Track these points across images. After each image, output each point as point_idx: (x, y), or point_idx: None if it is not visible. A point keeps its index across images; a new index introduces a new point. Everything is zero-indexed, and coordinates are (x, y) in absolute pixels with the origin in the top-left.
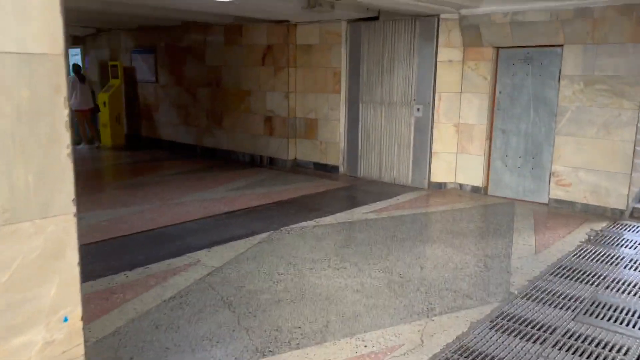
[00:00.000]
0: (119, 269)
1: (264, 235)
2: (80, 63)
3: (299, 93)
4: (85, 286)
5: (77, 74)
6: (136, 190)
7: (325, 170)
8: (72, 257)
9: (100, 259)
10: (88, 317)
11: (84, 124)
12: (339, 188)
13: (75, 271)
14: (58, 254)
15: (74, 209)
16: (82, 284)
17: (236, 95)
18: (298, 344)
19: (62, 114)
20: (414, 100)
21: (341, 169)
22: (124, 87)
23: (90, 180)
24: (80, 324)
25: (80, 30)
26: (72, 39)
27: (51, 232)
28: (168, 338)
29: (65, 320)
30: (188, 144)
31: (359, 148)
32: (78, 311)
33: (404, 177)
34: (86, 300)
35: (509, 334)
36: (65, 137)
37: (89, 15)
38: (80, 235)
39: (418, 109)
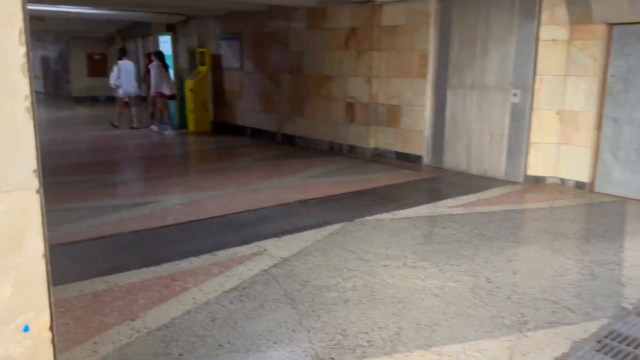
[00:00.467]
0: (185, 255)
1: (336, 226)
2: (170, 50)
3: (382, 78)
4: (148, 271)
5: (161, 60)
6: (214, 175)
7: (408, 160)
8: (35, 246)
9: (169, 243)
10: (145, 305)
11: (168, 109)
12: (422, 179)
13: (40, 265)
14: (14, 243)
15: (36, 183)
16: (146, 269)
17: (317, 81)
18: (364, 352)
19: (16, 54)
20: (511, 84)
21: (425, 159)
22: (211, 74)
23: (172, 165)
24: (48, 335)
25: (171, 18)
26: (165, 26)
27: (3, 212)
28: (222, 334)
29: (26, 329)
30: (269, 131)
31: (445, 137)
32: (45, 318)
33: (496, 170)
34: (145, 287)
35: (620, 359)
36: (22, 85)
37: (179, 2)
38: (151, 219)
39: (515, 94)
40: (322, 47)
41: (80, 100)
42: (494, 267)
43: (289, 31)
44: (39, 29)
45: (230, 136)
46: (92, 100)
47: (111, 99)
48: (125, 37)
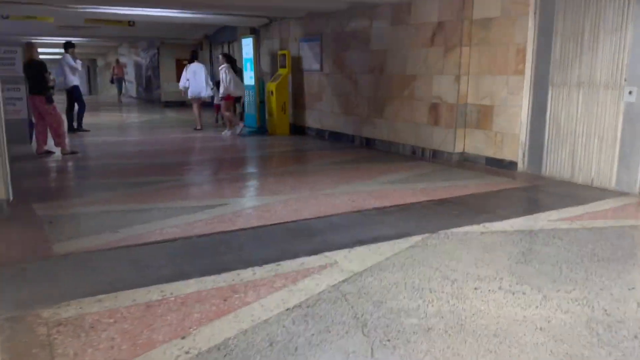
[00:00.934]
0: (249, 263)
1: (417, 238)
2: (252, 54)
3: (472, 75)
4: (208, 280)
5: (231, 63)
6: (288, 178)
7: (500, 166)
8: None
9: (233, 249)
10: (199, 320)
11: (230, 109)
12: (517, 188)
13: None
14: None
15: None
16: (206, 278)
17: (400, 80)
18: None
19: None
20: (625, 81)
21: (520, 166)
22: (291, 77)
23: (247, 167)
24: None
25: (254, 21)
26: (250, 31)
27: None
28: None
29: None
30: (347, 134)
31: (545, 140)
32: None
33: (606, 179)
34: (202, 299)
35: None
36: None
37: (262, 2)
38: (220, 223)
39: (630, 92)
40: (406, 45)
41: (169, 105)
42: (612, 296)
43: (371, 29)
44: (130, 34)
45: (308, 139)
46: (181, 104)
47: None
48: (212, 42)
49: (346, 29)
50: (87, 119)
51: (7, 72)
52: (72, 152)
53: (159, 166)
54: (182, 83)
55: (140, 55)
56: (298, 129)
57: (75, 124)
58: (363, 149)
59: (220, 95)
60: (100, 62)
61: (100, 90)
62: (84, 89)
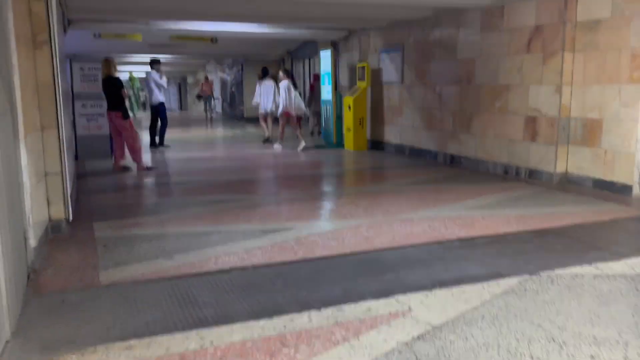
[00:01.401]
0: (306, 305)
1: (512, 281)
2: (329, 67)
3: (577, 85)
4: (255, 326)
5: (291, 78)
6: (361, 199)
7: (611, 190)
8: None
9: (290, 286)
10: None
11: (284, 127)
12: (633, 217)
13: None
14: None
15: None
16: (254, 322)
17: (490, 92)
18: None
19: None
20: None
21: (636, 191)
22: (370, 90)
23: (318, 186)
24: None
25: (334, 34)
26: (330, 44)
27: None
28: None
29: None
30: (430, 151)
31: None
32: None
33: None
34: (245, 353)
35: None
36: None
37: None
38: (280, 250)
39: None
40: (498, 52)
41: (251, 120)
42: None
43: (457, 37)
44: (215, 52)
45: (386, 155)
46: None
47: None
48: (293, 58)
49: (430, 37)
50: (173, 135)
51: (91, 88)
52: (148, 168)
53: (230, 183)
54: (255, 99)
55: (226, 72)
56: (376, 145)
57: (157, 140)
58: (447, 167)
59: (280, 111)
60: (190, 80)
61: (190, 107)
62: (175, 106)
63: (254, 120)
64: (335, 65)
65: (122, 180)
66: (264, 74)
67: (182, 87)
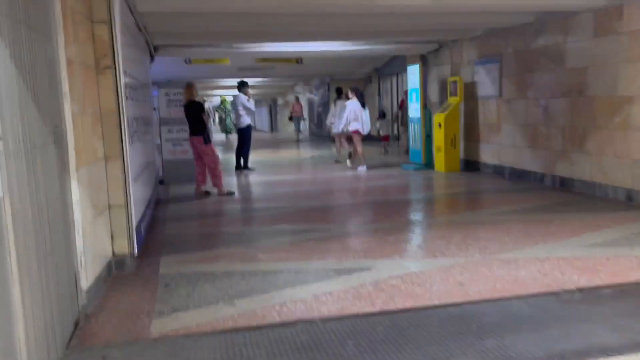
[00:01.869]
0: None
1: None
2: (418, 83)
3: None
4: None
5: (360, 97)
6: (454, 232)
7: None
8: None
9: (363, 350)
10: None
11: (349, 144)
12: None
13: None
14: None
15: None
16: None
17: (608, 104)
18: None
19: None
20: None
21: None
22: (463, 105)
23: (403, 214)
24: None
25: (423, 48)
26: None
27: None
28: None
29: None
30: (534, 172)
31: None
32: None
33: None
34: None
35: None
36: None
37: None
38: (355, 299)
39: None
40: (616, 59)
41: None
42: None
43: (565, 43)
44: (302, 73)
45: (482, 178)
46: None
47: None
48: (380, 75)
49: (532, 46)
50: (261, 156)
51: (176, 113)
52: (229, 193)
53: (309, 210)
54: (329, 119)
55: (313, 92)
56: (470, 166)
57: (242, 163)
58: (556, 192)
59: (346, 130)
60: (280, 101)
61: (280, 128)
62: (266, 127)
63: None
64: (424, 80)
65: (200, 207)
66: (339, 94)
67: (272, 109)
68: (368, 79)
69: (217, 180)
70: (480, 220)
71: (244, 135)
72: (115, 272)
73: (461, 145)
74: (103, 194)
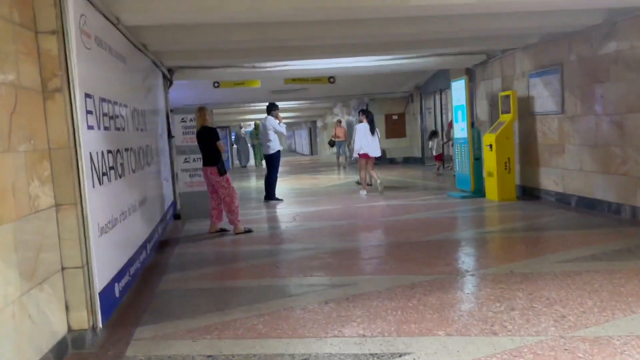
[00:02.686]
0: None
1: None
2: (464, 99)
3: None
4: None
5: (369, 120)
6: (515, 288)
7: None
8: None
9: None
10: None
11: (364, 169)
12: None
13: None
14: None
15: None
16: None
17: None
18: None
19: None
20: None
21: None
22: (518, 124)
23: (447, 260)
24: None
25: (469, 60)
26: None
27: None
28: None
29: None
30: (606, 202)
31: None
32: None
33: None
34: None
35: None
36: None
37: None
38: None
39: None
40: None
41: (376, 163)
42: None
43: None
44: (339, 93)
45: (543, 208)
46: (390, 162)
47: (407, 161)
48: (422, 93)
49: (601, 51)
50: (296, 183)
51: (193, 140)
52: (247, 231)
53: (334, 255)
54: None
55: (351, 113)
56: (528, 193)
57: (272, 193)
58: (638, 228)
59: (354, 155)
60: (319, 123)
61: (320, 151)
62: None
63: (381, 162)
64: (471, 96)
65: (211, 249)
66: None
67: (312, 131)
68: (409, 97)
69: (233, 217)
70: (548, 270)
71: (275, 161)
72: (71, 352)
73: (516, 169)
74: (51, 255)
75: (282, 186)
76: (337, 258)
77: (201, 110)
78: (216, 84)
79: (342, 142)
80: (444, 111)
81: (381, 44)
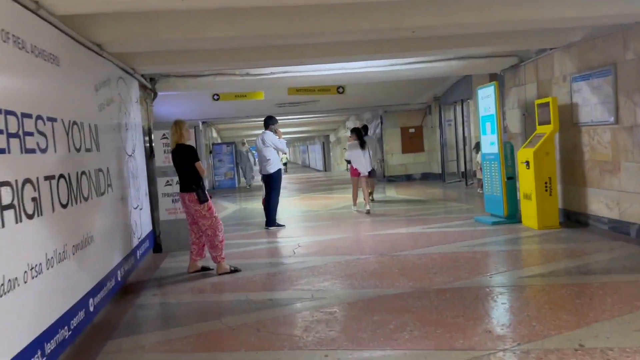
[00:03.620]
0: None
1: None
2: (493, 108)
3: None
4: None
5: (359, 138)
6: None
7: None
8: None
9: None
10: None
11: (357, 187)
12: None
13: None
14: None
15: None
16: None
17: None
18: None
19: None
20: None
21: None
22: (559, 137)
23: (479, 318)
24: None
25: (497, 64)
26: (488, 79)
27: None
28: None
29: None
30: None
31: None
32: None
33: None
34: None
35: None
36: None
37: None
38: None
39: None
40: None
41: (392, 180)
42: None
43: None
44: (346, 105)
45: (594, 238)
46: (407, 179)
47: (426, 177)
48: (442, 104)
49: None
50: (309, 203)
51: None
52: (232, 271)
53: (338, 309)
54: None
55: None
56: (573, 219)
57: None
58: None
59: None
60: (332, 138)
61: (334, 166)
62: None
63: (397, 179)
64: (500, 105)
65: (182, 298)
66: (365, 132)
67: (325, 146)
68: (427, 109)
69: (216, 253)
70: (624, 340)
71: (275, 182)
72: None
73: (559, 190)
74: None
75: (290, 208)
76: (339, 319)
77: (177, 124)
78: (216, 97)
79: None
80: (465, 123)
81: (394, 41)
